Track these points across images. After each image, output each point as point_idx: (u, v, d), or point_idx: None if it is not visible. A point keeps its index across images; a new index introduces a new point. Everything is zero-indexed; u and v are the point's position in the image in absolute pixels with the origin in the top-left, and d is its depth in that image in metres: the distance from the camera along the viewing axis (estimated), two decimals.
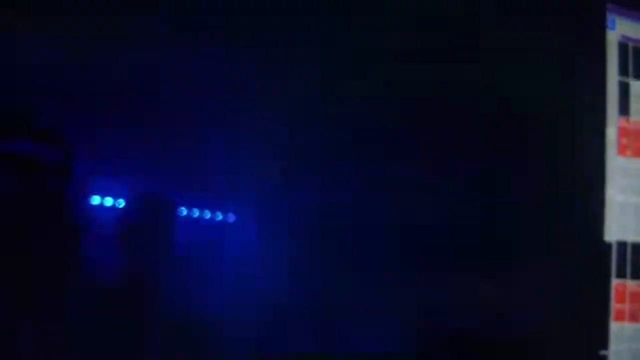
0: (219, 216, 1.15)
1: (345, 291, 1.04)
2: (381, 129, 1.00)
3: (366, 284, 1.02)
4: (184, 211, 1.09)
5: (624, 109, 1.08)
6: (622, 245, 1.05)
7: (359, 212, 1.01)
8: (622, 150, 1.07)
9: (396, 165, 1.00)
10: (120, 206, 1.05)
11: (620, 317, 1.05)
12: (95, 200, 1.02)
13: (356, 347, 1.07)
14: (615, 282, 1.04)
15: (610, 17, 1.09)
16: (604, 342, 1.03)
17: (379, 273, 1.02)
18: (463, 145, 1.01)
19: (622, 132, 1.07)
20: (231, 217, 1.14)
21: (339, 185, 1.03)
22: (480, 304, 1.03)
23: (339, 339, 1.13)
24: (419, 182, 1.01)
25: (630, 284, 1.05)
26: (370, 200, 1.02)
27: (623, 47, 1.10)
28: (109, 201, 1.02)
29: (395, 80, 0.98)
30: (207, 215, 1.15)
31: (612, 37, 1.10)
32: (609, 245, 1.04)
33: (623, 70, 1.10)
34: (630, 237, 1.06)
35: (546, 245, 1.04)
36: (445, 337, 1.04)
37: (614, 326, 1.04)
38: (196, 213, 1.14)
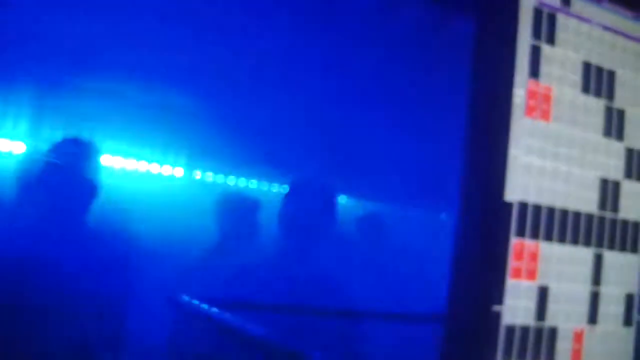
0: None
1: None
2: None
3: None
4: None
5: (535, 72, 1.12)
6: (523, 205, 1.09)
7: None
8: (529, 111, 1.10)
9: None
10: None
11: (517, 274, 1.09)
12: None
13: None
14: (514, 240, 1.08)
15: None
16: (499, 299, 1.07)
17: None
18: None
19: (531, 94, 1.11)
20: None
21: None
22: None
23: None
24: None
25: (529, 243, 1.09)
26: None
27: (538, 12, 1.14)
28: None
29: None
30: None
31: (527, 1, 1.13)
32: (510, 205, 1.07)
33: (536, 34, 1.13)
34: (532, 198, 1.10)
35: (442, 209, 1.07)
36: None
37: (510, 283, 1.08)
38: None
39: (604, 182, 1.18)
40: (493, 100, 1.07)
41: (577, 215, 1.14)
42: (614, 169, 1.20)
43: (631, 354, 1.21)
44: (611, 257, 1.19)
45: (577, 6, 1.19)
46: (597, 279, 1.17)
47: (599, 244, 1.17)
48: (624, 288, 1.21)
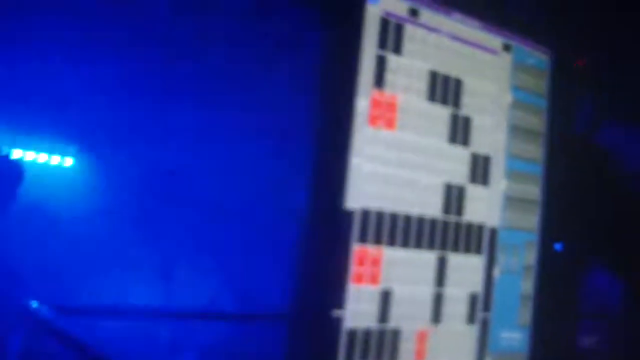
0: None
1: None
2: None
3: None
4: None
5: (380, 81, 1.16)
6: (366, 212, 1.13)
7: None
8: (373, 120, 1.14)
9: None
10: None
11: (359, 279, 1.13)
12: None
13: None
14: (356, 246, 1.12)
15: None
16: (339, 303, 1.11)
17: None
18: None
19: (375, 104, 1.15)
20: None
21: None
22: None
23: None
24: None
25: (371, 249, 1.14)
26: None
27: (385, 23, 1.17)
28: None
29: None
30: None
31: (375, 12, 1.16)
32: (351, 212, 1.11)
33: (382, 44, 1.17)
34: (375, 205, 1.14)
35: (288, 212, 1.10)
36: None
37: (353, 288, 1.13)
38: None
39: (449, 188, 1.23)
40: (335, 109, 1.11)
41: (421, 220, 1.19)
42: (459, 174, 1.26)
43: (474, 349, 1.28)
44: (455, 259, 1.25)
45: (425, 17, 1.23)
46: (441, 280, 1.23)
47: (443, 247, 1.23)
48: (468, 288, 1.27)
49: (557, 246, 1.40)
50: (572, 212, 1.56)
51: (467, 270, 1.26)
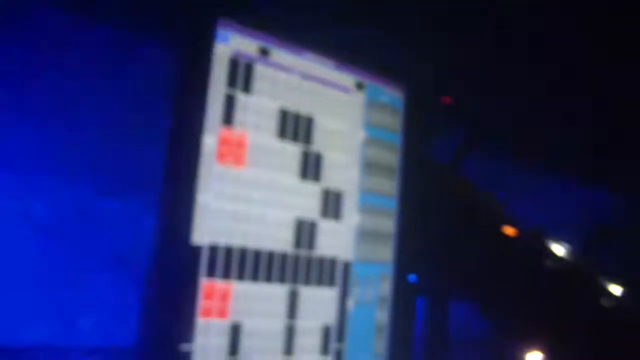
0: None
1: None
2: None
3: None
4: None
5: (228, 119, 1.20)
6: (214, 248, 1.17)
7: None
8: (221, 158, 1.18)
9: None
10: None
11: (207, 314, 1.16)
12: None
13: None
14: (204, 281, 1.15)
15: (223, 32, 1.21)
16: (188, 337, 1.14)
17: None
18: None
19: (223, 141, 1.19)
20: None
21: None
22: None
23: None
24: None
25: (220, 283, 1.18)
26: None
27: (234, 63, 1.22)
28: None
29: None
30: None
31: (225, 51, 1.21)
32: (199, 248, 1.14)
33: (231, 83, 1.21)
34: (223, 240, 1.18)
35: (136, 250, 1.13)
36: None
37: (201, 321, 1.16)
38: None
39: (300, 223, 1.28)
40: (182, 146, 1.14)
41: (271, 254, 1.24)
42: (311, 209, 1.31)
43: None
44: (307, 292, 1.30)
45: (276, 56, 1.28)
46: (293, 313, 1.28)
47: (295, 281, 1.28)
48: (321, 320, 1.32)
49: (411, 277, 1.47)
50: (428, 244, 1.64)
51: (320, 303, 1.32)
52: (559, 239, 1.99)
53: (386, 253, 1.45)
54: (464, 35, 1.81)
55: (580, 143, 2.52)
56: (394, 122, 1.50)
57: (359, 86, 1.43)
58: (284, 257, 1.27)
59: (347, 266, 1.37)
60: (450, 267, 1.79)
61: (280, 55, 1.30)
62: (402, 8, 1.59)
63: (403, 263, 1.48)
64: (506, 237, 1.87)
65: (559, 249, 1.90)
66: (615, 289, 1.87)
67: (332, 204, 1.35)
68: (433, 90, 1.76)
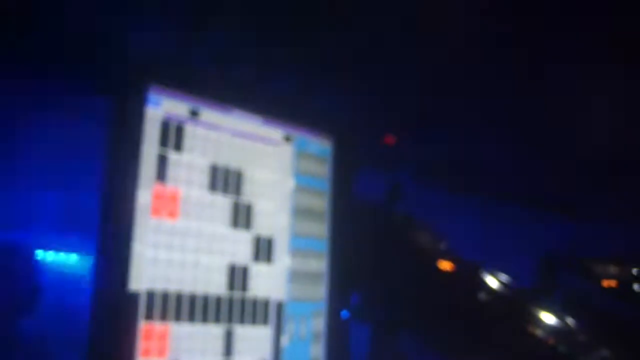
0: None
1: None
2: None
3: None
4: None
5: (161, 176, 1.39)
6: (151, 293, 1.34)
7: None
8: (155, 212, 1.37)
9: None
10: None
11: (147, 353, 1.34)
12: None
13: None
14: (143, 323, 1.33)
15: (154, 96, 1.40)
16: None
17: None
18: None
19: (157, 196, 1.37)
20: None
21: None
22: None
23: None
24: None
25: (158, 325, 1.35)
26: None
27: (165, 124, 1.41)
28: None
29: None
30: None
31: (156, 114, 1.40)
32: (136, 294, 1.32)
33: (163, 143, 1.40)
34: (160, 286, 1.36)
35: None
36: None
37: None
38: None
39: (232, 267, 1.46)
40: (119, 201, 1.32)
41: (205, 297, 1.42)
42: (243, 255, 1.49)
43: None
44: (243, 331, 1.47)
45: (205, 116, 1.47)
46: (229, 351, 1.45)
47: (230, 320, 1.46)
48: (257, 356, 1.49)
49: (344, 314, 1.65)
50: (365, 280, 1.82)
51: (255, 341, 1.49)
52: (497, 271, 2.16)
53: (318, 292, 1.63)
54: (397, 74, 1.96)
55: (525, 173, 2.67)
56: (322, 169, 1.69)
57: (287, 139, 1.62)
58: (218, 299, 1.44)
59: (280, 305, 1.54)
60: (389, 302, 1.95)
61: (210, 115, 1.48)
62: (328, 57, 1.76)
63: (336, 300, 1.65)
64: (442, 271, 2.04)
65: (494, 282, 2.07)
66: (550, 319, 2.04)
67: (263, 249, 1.54)
68: (369, 133, 1.93)
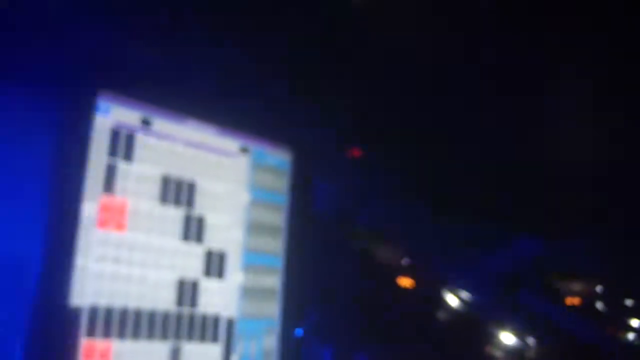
0: None
1: None
2: None
3: None
4: None
5: (109, 187, 1.33)
6: (94, 309, 1.28)
7: None
8: (102, 223, 1.31)
9: None
10: None
11: None
12: None
13: None
14: (84, 340, 1.27)
15: (104, 103, 1.34)
16: None
17: None
18: None
19: (104, 208, 1.32)
20: None
21: None
22: None
23: None
24: None
25: (100, 342, 1.29)
26: None
27: (115, 133, 1.35)
28: None
29: None
30: None
31: (105, 122, 1.34)
32: (78, 309, 1.26)
33: (113, 152, 1.34)
34: (104, 301, 1.30)
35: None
36: None
37: None
38: None
39: (182, 282, 1.41)
40: (62, 212, 1.26)
41: (152, 313, 1.36)
42: (193, 269, 1.44)
43: None
44: (191, 348, 1.42)
45: (158, 125, 1.42)
46: None
47: (178, 337, 1.40)
48: None
49: (298, 331, 1.60)
50: (323, 296, 1.78)
51: (203, 358, 1.44)
52: (457, 289, 2.12)
53: (271, 309, 1.58)
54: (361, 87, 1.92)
55: (488, 189, 2.65)
56: (279, 183, 1.64)
57: (244, 150, 1.57)
58: (166, 315, 1.39)
59: (230, 322, 1.49)
60: (347, 319, 1.91)
61: (163, 124, 1.43)
62: (293, 68, 1.72)
63: (289, 318, 1.60)
64: (402, 288, 2.00)
65: (453, 300, 2.04)
66: (510, 339, 2.02)
67: (215, 264, 1.49)
68: (333, 145, 1.89)
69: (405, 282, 1.96)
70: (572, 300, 2.80)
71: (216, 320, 1.45)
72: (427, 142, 2.21)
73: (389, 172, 2.32)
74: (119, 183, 1.33)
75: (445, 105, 1.92)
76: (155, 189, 1.38)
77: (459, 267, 2.38)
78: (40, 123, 1.29)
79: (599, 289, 2.78)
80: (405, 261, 2.07)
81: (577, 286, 2.87)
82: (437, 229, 2.65)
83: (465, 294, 2.04)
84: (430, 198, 2.57)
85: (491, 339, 1.87)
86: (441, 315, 1.92)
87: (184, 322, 1.40)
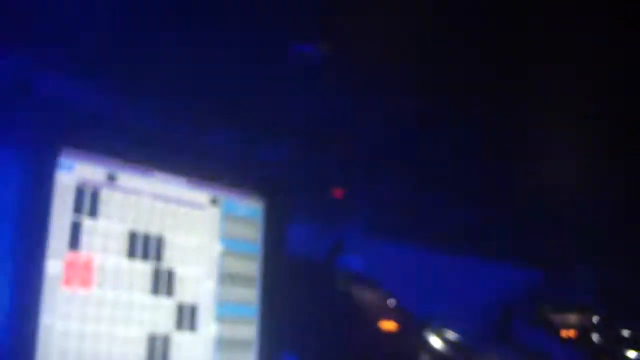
0: None
1: None
2: None
3: None
4: None
5: (75, 244, 1.32)
6: None
7: None
8: (68, 281, 1.30)
9: None
10: None
11: None
12: None
13: None
14: None
15: (67, 161, 1.33)
16: None
17: None
18: None
19: (69, 265, 1.31)
20: None
21: None
22: None
23: None
24: None
25: None
26: None
27: (80, 190, 1.35)
28: None
29: None
30: None
31: (70, 180, 1.34)
32: None
33: (78, 209, 1.34)
34: None
35: None
36: None
37: None
38: None
39: (152, 337, 1.39)
40: (25, 272, 1.25)
41: None
42: (164, 323, 1.42)
43: None
44: None
45: (123, 180, 1.41)
46: None
47: None
48: None
49: None
50: (298, 344, 1.76)
51: None
52: (444, 328, 2.10)
53: (247, 358, 1.56)
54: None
55: (481, 223, 2.64)
56: (252, 232, 1.63)
57: (214, 201, 1.56)
58: None
59: None
60: None
61: (129, 178, 1.43)
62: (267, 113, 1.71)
63: None
64: (385, 332, 1.98)
65: (438, 343, 2.02)
66: None
67: (186, 317, 1.47)
68: (312, 187, 1.88)
69: (388, 325, 1.94)
70: (567, 333, 2.76)
71: None
72: (417, 177, 2.19)
73: (373, 210, 2.31)
74: (85, 239, 1.33)
75: (436, 136, 1.91)
76: (122, 244, 1.37)
77: (450, 299, 2.36)
78: (2, 180, 1.28)
79: (595, 319, 2.74)
80: (390, 302, 2.05)
81: (572, 318, 2.84)
82: (427, 261, 2.62)
83: (452, 335, 2.02)
84: (419, 232, 2.55)
85: None
86: (426, 358, 1.90)
87: None
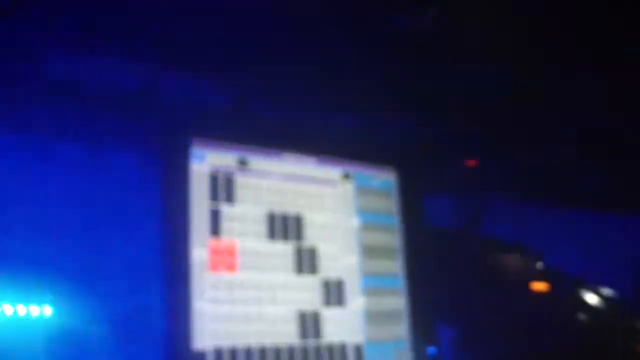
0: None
1: None
2: None
3: None
4: None
5: (215, 230, 1.37)
6: (218, 351, 1.32)
7: None
8: (213, 266, 1.35)
9: None
10: None
11: None
12: None
13: None
14: None
15: (199, 151, 1.39)
16: None
17: None
18: None
19: (213, 251, 1.36)
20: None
21: None
22: None
23: None
24: None
25: None
26: None
27: (214, 178, 1.40)
28: None
29: None
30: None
31: (203, 169, 1.39)
32: (202, 353, 1.30)
33: (214, 196, 1.39)
34: (225, 342, 1.33)
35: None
36: None
37: None
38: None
39: (302, 315, 1.42)
40: (174, 259, 1.31)
41: (277, 349, 1.38)
42: (311, 301, 1.45)
43: None
44: None
45: (255, 164, 1.45)
46: None
47: None
48: None
49: (431, 350, 1.57)
50: (451, 314, 1.74)
51: None
52: (598, 286, 2.02)
53: (398, 330, 1.56)
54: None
55: (618, 181, 2.53)
56: (387, 204, 1.63)
57: (346, 176, 1.57)
58: (291, 349, 1.40)
59: (358, 349, 1.48)
60: (490, 333, 1.85)
61: (259, 162, 1.46)
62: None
63: (420, 338, 1.57)
64: (536, 293, 1.92)
65: (593, 299, 1.94)
66: None
67: (333, 292, 1.48)
68: (448, 158, 1.86)
69: (540, 286, 1.87)
70: None
71: (343, 348, 1.44)
72: (549, 142, 2.12)
73: (507, 178, 2.25)
74: (225, 225, 1.35)
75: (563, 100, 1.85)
76: (261, 227, 1.40)
77: (600, 257, 2.27)
78: (148, 179, 1.33)
79: None
80: (539, 264, 1.98)
81: None
82: (573, 220, 2.52)
83: (607, 291, 1.93)
84: (563, 194, 2.46)
85: (634, 334, 1.75)
86: (582, 316, 1.82)
87: (310, 354, 1.40)
